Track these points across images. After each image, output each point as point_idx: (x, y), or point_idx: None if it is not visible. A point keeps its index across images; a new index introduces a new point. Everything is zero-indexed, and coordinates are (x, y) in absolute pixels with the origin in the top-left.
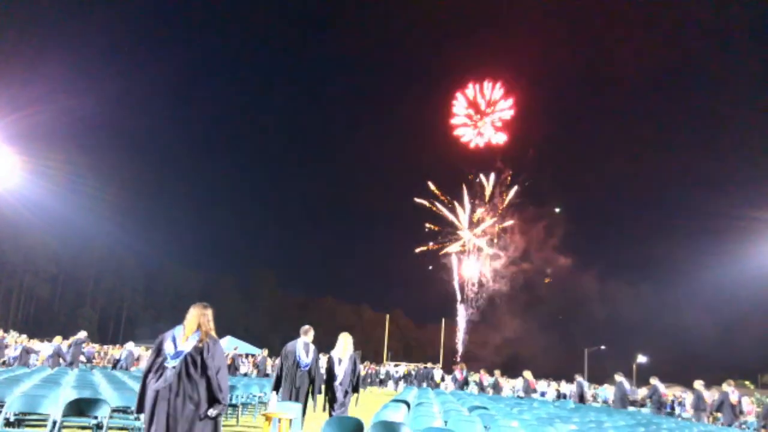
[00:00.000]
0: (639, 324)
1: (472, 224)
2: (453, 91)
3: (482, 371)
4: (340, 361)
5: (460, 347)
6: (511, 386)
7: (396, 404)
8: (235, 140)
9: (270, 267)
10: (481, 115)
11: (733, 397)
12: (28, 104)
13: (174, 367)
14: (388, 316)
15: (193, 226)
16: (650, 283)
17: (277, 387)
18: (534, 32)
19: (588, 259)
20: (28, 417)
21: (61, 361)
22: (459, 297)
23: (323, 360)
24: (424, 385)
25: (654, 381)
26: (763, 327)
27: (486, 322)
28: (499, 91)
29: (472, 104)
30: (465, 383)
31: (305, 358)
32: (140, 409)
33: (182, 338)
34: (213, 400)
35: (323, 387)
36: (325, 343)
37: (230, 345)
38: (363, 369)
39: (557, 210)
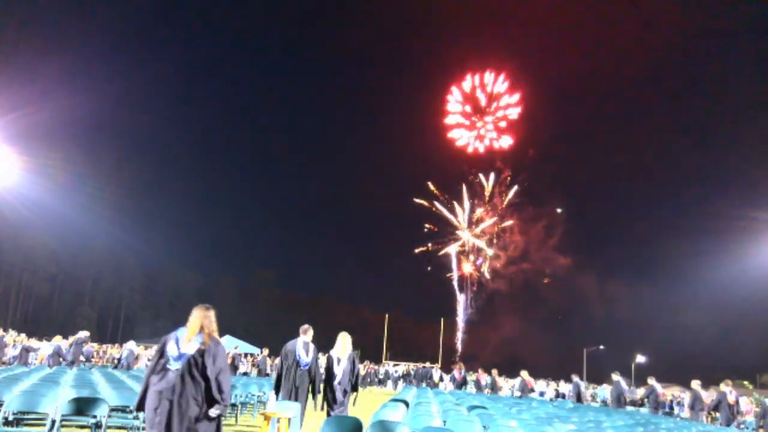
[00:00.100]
0: (638, 324)
1: (472, 224)
2: (450, 84)
3: (480, 371)
4: (338, 360)
5: (459, 347)
6: (510, 386)
7: (395, 404)
8: (235, 140)
9: (269, 267)
10: (481, 114)
11: (731, 397)
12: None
13: (177, 369)
14: (387, 316)
15: (192, 225)
16: (650, 283)
17: (278, 387)
18: (537, 26)
19: (587, 259)
20: (26, 416)
21: (61, 360)
22: (458, 297)
23: (323, 359)
24: (423, 384)
25: (651, 381)
26: (762, 327)
27: (485, 322)
28: (502, 84)
29: (470, 99)
30: (463, 383)
31: (305, 358)
32: (140, 408)
33: (185, 340)
34: (214, 401)
35: (321, 386)
36: (324, 343)
37: (230, 344)
38: (363, 369)
39: (559, 210)
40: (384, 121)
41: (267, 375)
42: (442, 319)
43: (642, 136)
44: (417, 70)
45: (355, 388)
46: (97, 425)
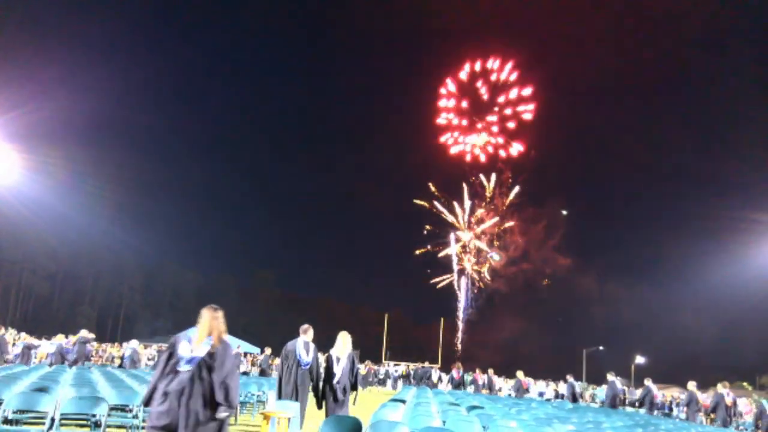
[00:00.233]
0: (638, 325)
1: (472, 224)
2: (445, 76)
3: (477, 370)
4: (338, 359)
5: (459, 347)
6: (509, 386)
7: (394, 404)
8: (235, 140)
9: (269, 267)
10: (483, 112)
11: (728, 399)
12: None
13: (188, 371)
14: (387, 316)
15: (192, 225)
16: (649, 284)
17: (280, 389)
18: (548, 16)
19: (587, 260)
20: (26, 415)
21: (64, 359)
22: (458, 297)
23: (323, 359)
24: (422, 384)
25: (647, 382)
26: (762, 328)
27: (485, 322)
28: (510, 74)
29: (468, 93)
30: (462, 382)
31: (305, 357)
32: (147, 404)
33: (196, 342)
34: (221, 403)
35: (320, 385)
36: (324, 343)
37: (232, 344)
38: (363, 368)
39: (564, 212)
40: (385, 120)
41: (269, 375)
42: (442, 319)
43: (642, 137)
44: (416, 70)
45: (354, 387)
46: (97, 424)
